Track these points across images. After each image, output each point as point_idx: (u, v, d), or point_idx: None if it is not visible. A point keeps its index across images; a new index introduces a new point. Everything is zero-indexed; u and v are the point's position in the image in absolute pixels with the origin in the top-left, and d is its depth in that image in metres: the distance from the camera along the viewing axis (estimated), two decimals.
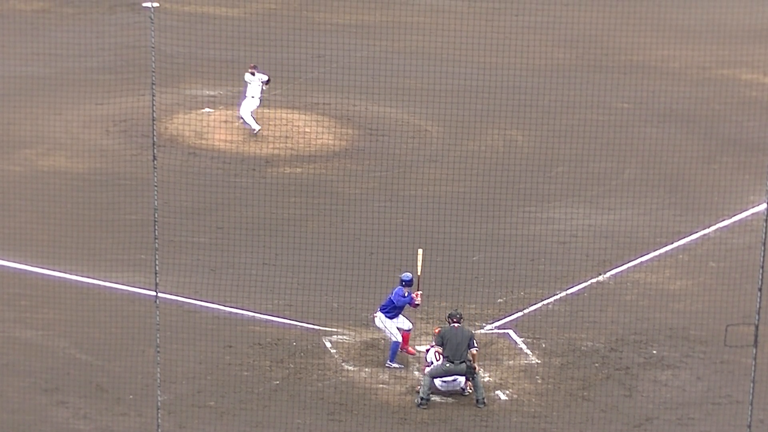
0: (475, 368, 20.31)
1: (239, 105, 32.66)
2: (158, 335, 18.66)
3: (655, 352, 22.79)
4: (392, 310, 21.45)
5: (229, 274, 25.07)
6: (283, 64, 33.81)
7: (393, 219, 26.66)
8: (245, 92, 32.97)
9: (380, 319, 21.55)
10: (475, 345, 20.45)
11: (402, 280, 21.52)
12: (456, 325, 20.47)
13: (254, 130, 32.00)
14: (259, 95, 32.84)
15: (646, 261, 26.47)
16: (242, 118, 32.20)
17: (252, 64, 32.52)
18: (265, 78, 32.61)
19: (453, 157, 32.31)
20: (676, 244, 27.40)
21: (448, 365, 20.27)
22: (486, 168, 31.03)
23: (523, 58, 35.44)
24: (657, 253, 26.84)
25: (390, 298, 21.47)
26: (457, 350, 20.28)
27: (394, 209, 27.43)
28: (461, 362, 20.25)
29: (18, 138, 34.06)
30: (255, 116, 32.28)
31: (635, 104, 35.89)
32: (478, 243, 26.59)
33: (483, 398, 20.32)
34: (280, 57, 33.38)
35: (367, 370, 21.89)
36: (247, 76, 32.29)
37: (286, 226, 27.50)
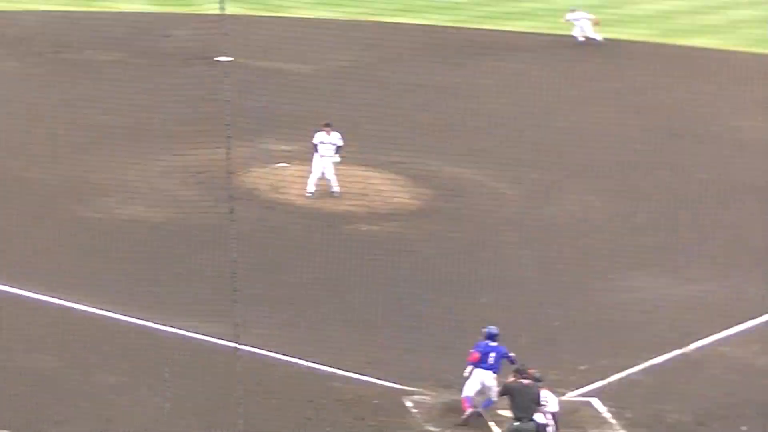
0: (546, 426, 20.23)
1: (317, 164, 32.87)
2: (240, 388, 19.01)
3: (744, 428, 22.65)
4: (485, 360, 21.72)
5: (307, 328, 25.44)
6: (355, 122, 34.58)
7: (471, 280, 27.04)
8: (318, 151, 33.14)
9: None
10: (544, 403, 20.41)
11: (488, 334, 21.85)
12: (525, 381, 20.36)
13: (334, 190, 32.60)
14: (330, 156, 33.05)
15: (733, 334, 26.42)
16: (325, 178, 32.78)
17: (325, 123, 33.03)
18: (339, 143, 32.96)
19: (531, 220, 32.68)
20: (763, 318, 27.42)
21: (516, 424, 20.20)
22: (564, 233, 31.59)
23: (598, 122, 35.82)
24: (743, 326, 26.83)
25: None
26: (526, 408, 20.14)
27: (473, 271, 27.76)
28: (530, 420, 20.16)
29: (98, 186, 34.66)
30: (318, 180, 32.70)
31: (715, 175, 36.22)
32: (560, 309, 26.78)
33: None
34: (353, 114, 34.29)
35: (449, 431, 22.00)
36: (320, 135, 32.85)
37: (364, 283, 27.88)
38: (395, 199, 33.73)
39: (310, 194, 33.33)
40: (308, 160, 34.38)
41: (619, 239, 31.36)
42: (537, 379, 20.61)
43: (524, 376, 20.34)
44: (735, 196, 35.39)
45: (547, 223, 32.16)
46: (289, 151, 36.53)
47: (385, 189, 34.18)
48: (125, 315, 25.70)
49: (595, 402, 23.14)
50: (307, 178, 33.84)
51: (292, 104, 36.51)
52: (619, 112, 39.03)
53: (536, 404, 20.18)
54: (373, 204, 33.37)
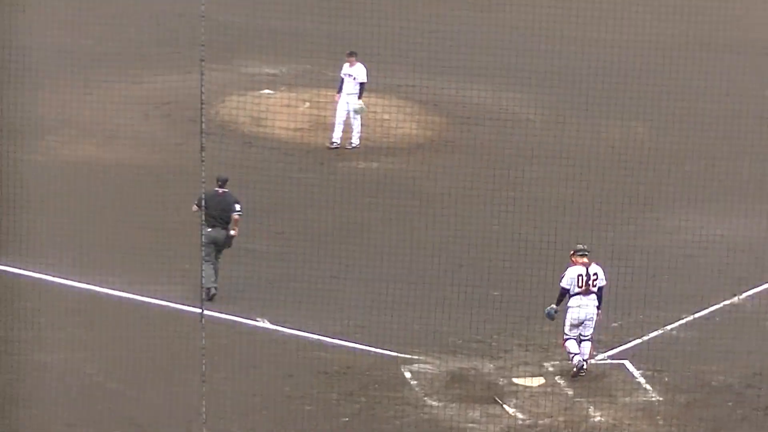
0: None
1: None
2: (204, 361, 19.60)
3: None
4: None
5: (290, 288, 25.74)
6: (358, 39, 34.60)
7: (486, 225, 27.40)
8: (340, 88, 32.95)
9: None
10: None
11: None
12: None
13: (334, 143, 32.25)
14: (355, 96, 32.73)
15: None
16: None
17: (349, 52, 32.96)
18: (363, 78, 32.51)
19: (560, 152, 32.77)
20: None
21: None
22: (599, 166, 32.00)
23: (649, 35, 36.23)
24: None
25: None
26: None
27: (488, 214, 28.15)
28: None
29: (41, 122, 34.21)
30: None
31: None
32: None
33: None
34: (356, 30, 34.25)
35: (453, 406, 22.33)
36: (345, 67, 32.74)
37: (358, 231, 28.48)
38: (399, 130, 33.85)
39: (334, 145, 32.96)
40: (298, 86, 34.72)
41: (662, 171, 31.75)
42: None
43: None
44: None
45: (578, 154, 32.33)
46: (274, 75, 36.99)
47: (389, 118, 34.26)
48: (66, 278, 26.08)
49: (628, 364, 23.65)
50: (295, 107, 33.86)
51: (281, 19, 36.82)
52: (669, 19, 39.42)
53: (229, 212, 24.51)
54: (372, 136, 33.44)
